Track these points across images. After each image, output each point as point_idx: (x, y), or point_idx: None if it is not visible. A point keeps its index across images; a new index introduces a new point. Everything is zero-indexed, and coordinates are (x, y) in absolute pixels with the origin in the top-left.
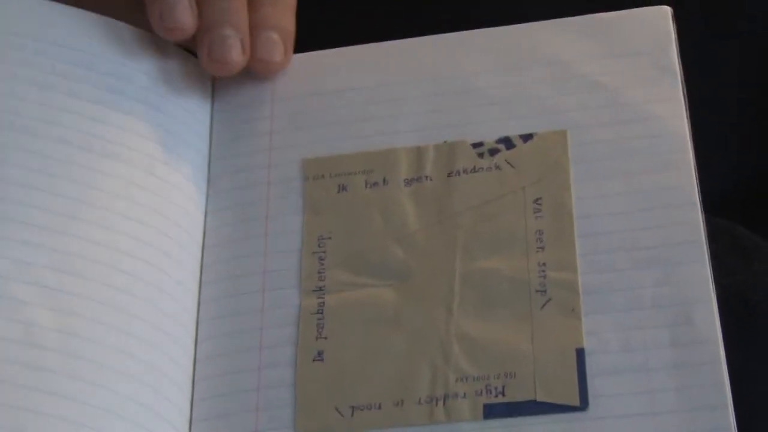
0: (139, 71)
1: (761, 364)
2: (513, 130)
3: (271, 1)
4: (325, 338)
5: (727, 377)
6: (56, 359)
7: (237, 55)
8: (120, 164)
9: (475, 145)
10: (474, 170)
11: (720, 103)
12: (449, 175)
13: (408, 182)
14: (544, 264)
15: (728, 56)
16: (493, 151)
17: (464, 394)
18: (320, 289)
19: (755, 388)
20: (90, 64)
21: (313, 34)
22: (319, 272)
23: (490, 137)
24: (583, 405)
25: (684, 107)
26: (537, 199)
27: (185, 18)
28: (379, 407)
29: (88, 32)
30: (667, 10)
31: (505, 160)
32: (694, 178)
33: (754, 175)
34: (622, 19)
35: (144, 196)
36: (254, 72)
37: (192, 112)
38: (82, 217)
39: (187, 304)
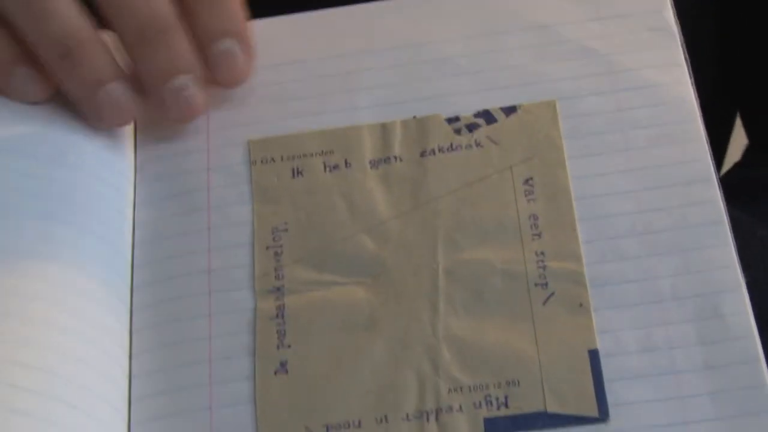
0: None
1: None
2: (493, 103)
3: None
4: (288, 347)
5: None
6: None
7: (200, 101)
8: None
9: (451, 120)
10: (451, 148)
11: None
12: (422, 154)
13: (374, 164)
14: (542, 253)
15: None
16: (471, 127)
17: (460, 406)
18: (278, 289)
19: None
20: None
21: (257, 1)
22: (276, 270)
23: (466, 111)
24: (603, 416)
25: (687, 72)
26: (527, 180)
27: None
28: (359, 425)
29: None
30: None
31: (487, 137)
32: (708, 151)
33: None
34: None
35: (53, 186)
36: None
37: None
38: None
39: (116, 310)
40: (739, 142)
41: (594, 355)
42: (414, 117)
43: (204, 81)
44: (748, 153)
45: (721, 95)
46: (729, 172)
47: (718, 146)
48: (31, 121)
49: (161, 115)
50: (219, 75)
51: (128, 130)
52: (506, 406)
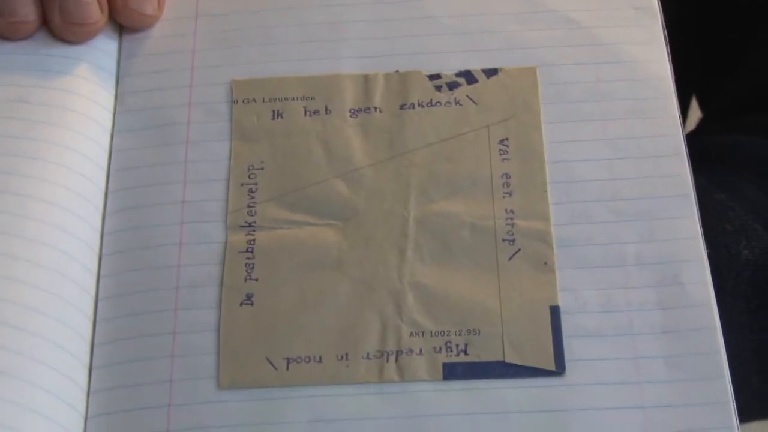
0: None
1: None
2: (475, 64)
3: None
4: (256, 280)
5: (723, 345)
6: None
7: (96, 14)
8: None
9: (432, 77)
10: (431, 104)
11: None
12: (402, 107)
13: (354, 113)
14: (511, 211)
15: None
16: (452, 85)
17: (420, 350)
18: (250, 225)
19: None
20: None
21: None
22: (249, 206)
23: (448, 70)
24: (559, 369)
25: (666, 51)
26: (503, 140)
27: (27, 7)
28: (320, 360)
29: None
30: None
31: (467, 96)
32: (680, 127)
33: None
34: None
35: (29, 109)
36: (123, 24)
37: None
38: None
39: (85, 235)
40: (692, 116)
41: (555, 312)
42: (397, 71)
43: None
44: (701, 124)
45: (678, 70)
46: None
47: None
48: (8, 46)
49: (55, 26)
50: (131, 6)
51: (110, 61)
52: (465, 353)
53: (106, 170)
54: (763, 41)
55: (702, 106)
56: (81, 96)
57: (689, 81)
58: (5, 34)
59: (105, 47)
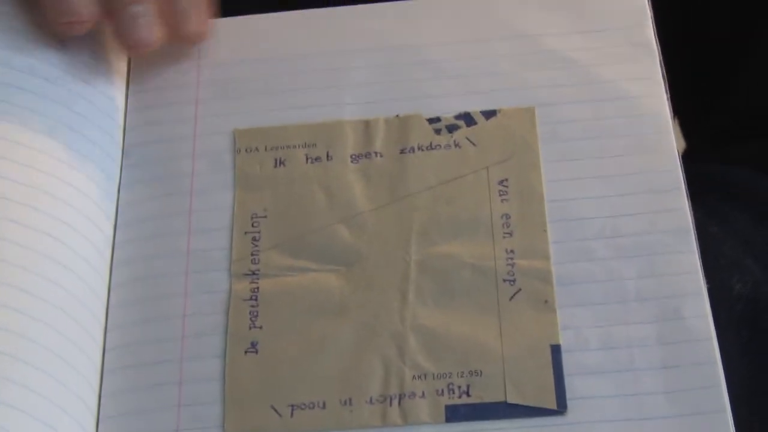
0: None
1: None
2: (474, 106)
3: None
4: (260, 328)
5: (724, 379)
6: None
7: (154, 33)
8: (11, 125)
9: (432, 120)
10: (430, 147)
11: None
12: (402, 151)
13: (355, 158)
14: (512, 251)
15: None
16: (451, 128)
17: (423, 393)
18: (254, 273)
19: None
20: None
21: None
22: (253, 254)
23: (448, 113)
24: (561, 408)
25: (663, 87)
26: (502, 181)
27: (84, 8)
28: (324, 406)
29: None
30: None
31: (466, 138)
32: (678, 161)
33: None
34: None
35: (43, 162)
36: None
37: (102, 74)
38: None
39: (95, 285)
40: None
41: (556, 350)
42: (396, 115)
43: (162, 21)
44: (689, 153)
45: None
46: None
47: None
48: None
49: (118, 45)
50: (178, 31)
51: (114, 117)
52: (468, 394)
53: (113, 222)
54: (750, 69)
55: (685, 133)
56: (96, 145)
57: (674, 107)
58: (61, 32)
59: (114, 99)
